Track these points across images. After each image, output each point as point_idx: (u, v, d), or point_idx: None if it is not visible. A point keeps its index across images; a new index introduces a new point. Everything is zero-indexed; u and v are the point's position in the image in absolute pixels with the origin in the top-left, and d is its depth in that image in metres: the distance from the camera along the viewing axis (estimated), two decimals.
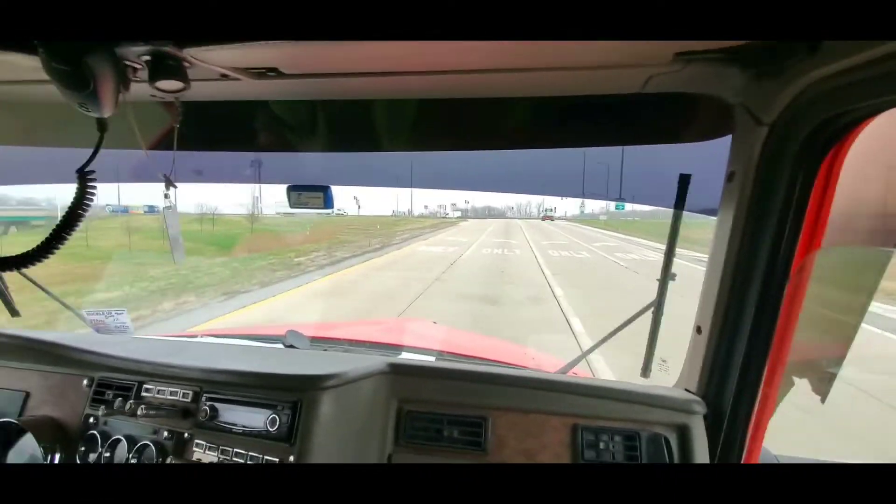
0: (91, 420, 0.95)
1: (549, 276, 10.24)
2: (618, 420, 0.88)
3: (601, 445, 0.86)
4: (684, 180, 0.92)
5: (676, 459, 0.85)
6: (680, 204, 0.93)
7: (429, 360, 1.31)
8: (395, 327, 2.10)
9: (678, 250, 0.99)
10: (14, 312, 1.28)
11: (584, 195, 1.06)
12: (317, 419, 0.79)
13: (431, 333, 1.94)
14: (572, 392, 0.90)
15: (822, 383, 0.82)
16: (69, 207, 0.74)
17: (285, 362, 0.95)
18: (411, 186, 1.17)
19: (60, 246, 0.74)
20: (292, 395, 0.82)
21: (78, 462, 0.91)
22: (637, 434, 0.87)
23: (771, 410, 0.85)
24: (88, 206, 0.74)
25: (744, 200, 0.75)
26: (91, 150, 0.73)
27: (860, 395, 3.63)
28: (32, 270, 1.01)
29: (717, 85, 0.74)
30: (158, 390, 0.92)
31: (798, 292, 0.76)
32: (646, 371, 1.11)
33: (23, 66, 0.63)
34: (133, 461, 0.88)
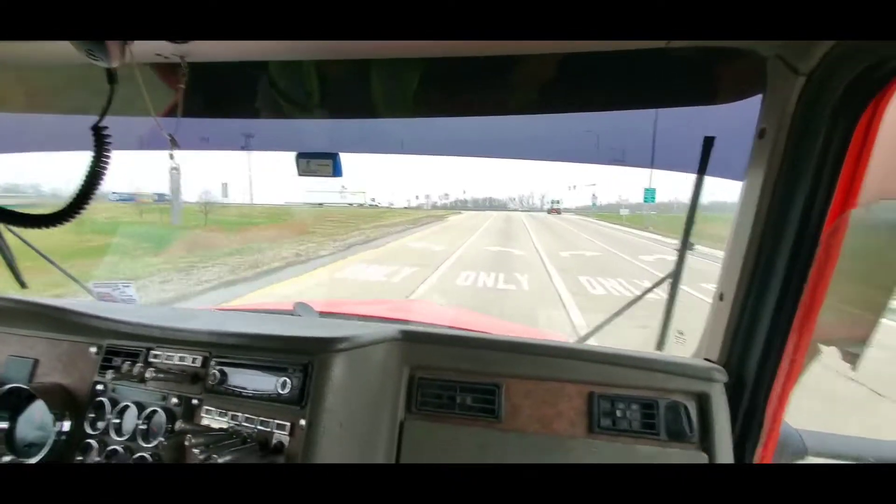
0: (99, 387, 0.95)
1: None
2: (634, 388, 0.86)
3: (617, 413, 0.84)
4: (708, 143, 0.88)
5: (695, 428, 0.83)
6: (703, 168, 0.90)
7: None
8: (404, 306, 2.09)
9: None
10: (23, 284, 1.28)
11: (605, 160, 1.02)
12: (329, 382, 0.78)
13: (441, 311, 1.93)
14: (588, 360, 0.87)
15: (852, 352, 0.79)
16: (89, 166, 0.73)
17: (296, 327, 0.94)
18: (428, 154, 1.13)
19: (86, 206, 0.74)
20: (303, 357, 0.80)
21: (86, 443, 0.91)
22: (655, 402, 0.84)
23: (794, 380, 0.82)
24: (107, 163, 0.73)
25: (776, 157, 0.72)
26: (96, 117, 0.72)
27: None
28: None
29: None
30: (167, 355, 0.90)
31: (830, 255, 0.72)
32: (661, 344, 1.09)
33: None
34: (142, 427, 0.87)
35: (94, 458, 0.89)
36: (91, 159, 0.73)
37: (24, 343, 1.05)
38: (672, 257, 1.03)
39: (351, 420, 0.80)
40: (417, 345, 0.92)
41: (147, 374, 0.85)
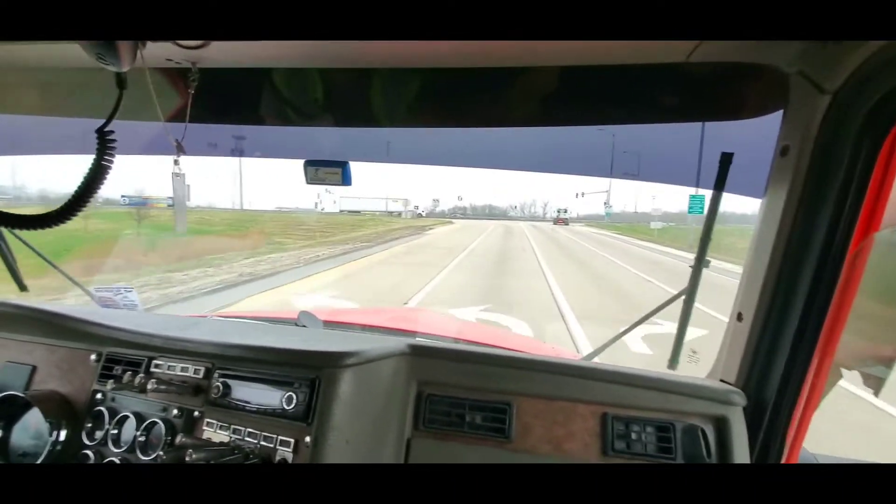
0: (98, 396, 0.92)
1: None
2: (649, 410, 0.83)
3: (633, 436, 0.82)
4: (726, 159, 0.87)
5: (714, 452, 0.80)
6: (720, 185, 0.88)
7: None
8: (407, 316, 2.06)
9: None
10: (22, 287, 1.26)
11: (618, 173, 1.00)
12: (336, 398, 0.75)
13: (446, 322, 1.90)
14: (601, 379, 0.85)
15: (875, 375, 0.77)
16: (89, 169, 0.71)
17: (301, 339, 0.92)
18: (436, 164, 1.12)
19: (83, 208, 0.71)
20: (310, 371, 0.78)
21: (83, 453, 0.89)
22: (671, 425, 0.82)
23: (815, 406, 0.79)
24: (109, 166, 0.71)
25: (799, 176, 0.70)
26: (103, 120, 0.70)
27: None
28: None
29: (772, 52, 0.69)
30: (169, 366, 0.88)
31: (853, 277, 0.70)
32: (673, 362, 1.06)
33: None
34: (141, 439, 0.85)
35: None
36: (92, 161, 0.71)
37: (23, 349, 1.02)
38: None
39: (357, 437, 0.77)
40: (426, 360, 0.89)
41: (148, 385, 0.82)
